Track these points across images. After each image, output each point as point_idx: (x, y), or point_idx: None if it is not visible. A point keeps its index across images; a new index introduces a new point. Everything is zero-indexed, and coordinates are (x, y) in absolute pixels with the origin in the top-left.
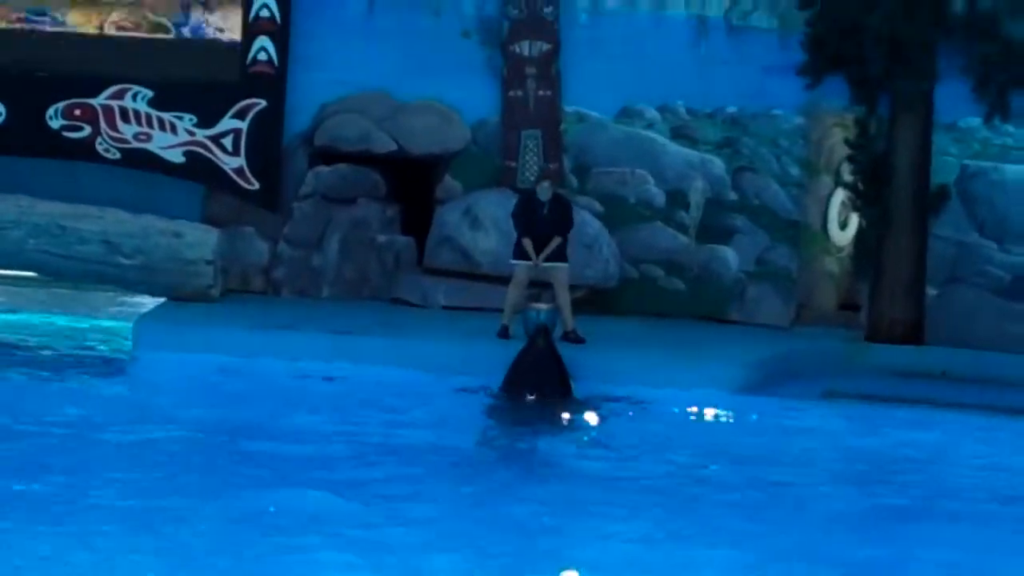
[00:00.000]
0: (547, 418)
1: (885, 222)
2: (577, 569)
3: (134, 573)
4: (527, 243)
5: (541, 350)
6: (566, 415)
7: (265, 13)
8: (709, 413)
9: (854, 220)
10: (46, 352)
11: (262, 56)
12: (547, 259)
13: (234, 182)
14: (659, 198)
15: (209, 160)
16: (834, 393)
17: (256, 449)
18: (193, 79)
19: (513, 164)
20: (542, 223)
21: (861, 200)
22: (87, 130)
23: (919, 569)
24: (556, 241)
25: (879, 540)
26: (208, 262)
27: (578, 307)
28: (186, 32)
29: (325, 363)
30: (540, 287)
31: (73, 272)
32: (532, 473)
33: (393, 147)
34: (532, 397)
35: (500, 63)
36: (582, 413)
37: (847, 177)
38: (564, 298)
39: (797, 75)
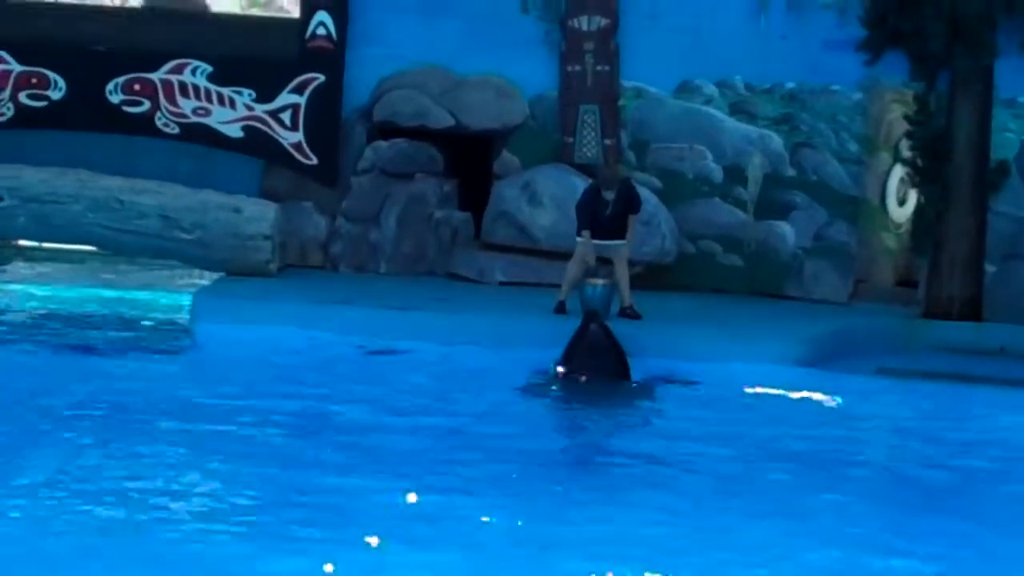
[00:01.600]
0: (603, 396)
1: (944, 198)
2: (639, 548)
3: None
4: (586, 235)
5: (596, 335)
6: (622, 392)
7: None
8: (766, 389)
9: (913, 196)
10: (104, 327)
11: (321, 31)
12: (608, 237)
13: (292, 157)
14: (717, 174)
15: (268, 135)
16: (891, 370)
17: (312, 423)
18: (252, 54)
19: (571, 139)
20: (607, 217)
21: (920, 176)
22: (146, 105)
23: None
24: (630, 220)
25: (930, 515)
26: (266, 237)
27: (635, 283)
28: None
29: (382, 338)
30: (598, 262)
31: (131, 247)
32: (587, 453)
33: (451, 122)
34: (587, 373)
35: (558, 38)
36: (639, 390)
37: (906, 153)
38: (623, 274)
39: (856, 51)
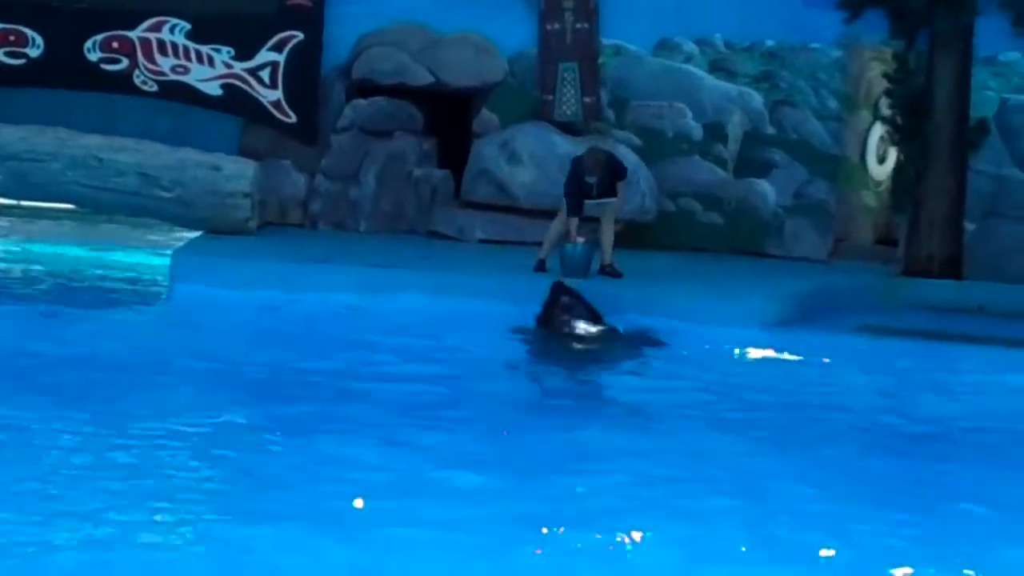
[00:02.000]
0: (582, 353)
1: (924, 157)
2: (608, 500)
3: (166, 508)
4: (573, 223)
5: (566, 303)
6: (602, 350)
7: None
8: (745, 347)
9: (892, 154)
10: (83, 284)
11: None
12: (598, 196)
13: (271, 115)
14: (697, 132)
15: (247, 93)
16: (871, 327)
17: (291, 381)
18: (231, 12)
19: (550, 97)
20: (594, 193)
21: (900, 134)
22: (125, 63)
23: (948, 506)
24: (618, 185)
25: (910, 474)
26: (245, 195)
27: (615, 241)
28: None
29: (362, 296)
30: (584, 221)
31: (110, 205)
32: (564, 405)
33: (430, 80)
34: (567, 331)
35: None
36: (617, 348)
37: (886, 111)
38: (608, 231)
39: (836, 8)
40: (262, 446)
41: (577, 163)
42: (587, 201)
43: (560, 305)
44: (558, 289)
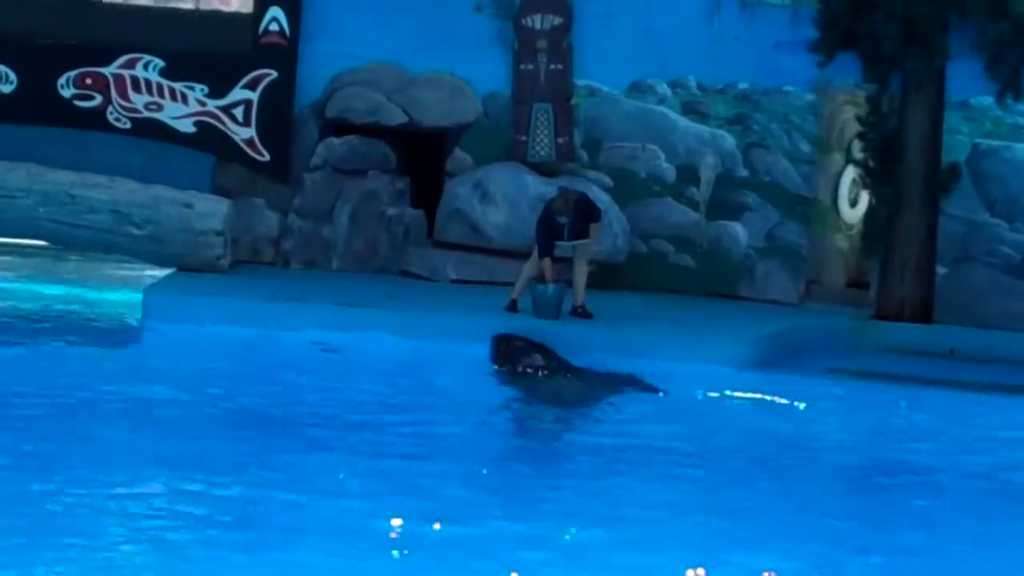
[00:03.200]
0: (551, 394)
1: (896, 200)
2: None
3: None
4: (547, 263)
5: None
6: (572, 391)
7: None
8: (716, 389)
9: (864, 197)
10: (54, 322)
11: (274, 27)
12: (570, 238)
13: (245, 153)
14: (669, 173)
15: (220, 131)
16: (841, 370)
17: (262, 419)
18: (205, 49)
19: (524, 138)
20: (566, 235)
21: (872, 178)
22: (98, 99)
23: (917, 546)
24: (592, 228)
25: (878, 516)
26: (218, 233)
27: (587, 282)
28: None
29: (333, 335)
30: (557, 262)
31: (82, 241)
32: (531, 445)
33: (404, 119)
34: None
35: (512, 36)
36: (588, 389)
37: (858, 154)
38: (581, 272)
39: (809, 51)
40: (231, 482)
41: (549, 204)
42: (560, 243)
43: (511, 350)
44: (498, 340)
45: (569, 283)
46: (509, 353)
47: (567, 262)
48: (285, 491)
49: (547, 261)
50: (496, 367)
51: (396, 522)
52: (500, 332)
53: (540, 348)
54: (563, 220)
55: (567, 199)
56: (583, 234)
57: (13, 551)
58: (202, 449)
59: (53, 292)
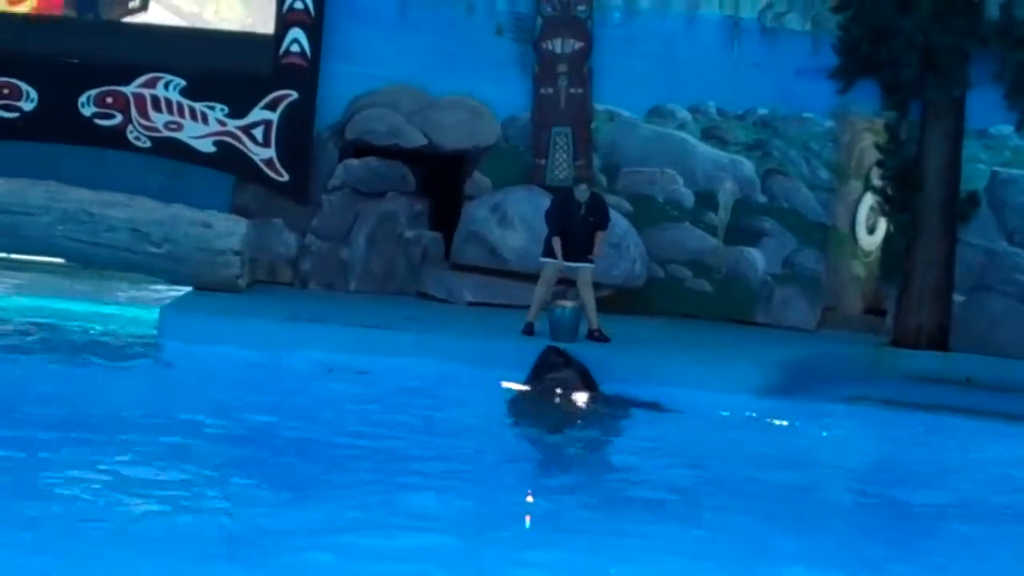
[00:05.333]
0: (567, 418)
1: (914, 228)
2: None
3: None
4: (556, 242)
5: (555, 362)
6: (587, 416)
7: (299, 5)
8: (733, 415)
9: (882, 225)
10: (71, 339)
11: (295, 48)
12: (574, 259)
13: (264, 173)
14: (688, 199)
15: (239, 151)
16: (858, 398)
17: (278, 440)
18: (225, 69)
19: (543, 161)
20: (578, 224)
21: (890, 205)
22: (118, 118)
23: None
24: (598, 236)
25: (896, 545)
26: (236, 252)
27: (604, 306)
28: None
29: (350, 356)
30: (567, 284)
31: (101, 259)
32: (546, 470)
33: (423, 142)
34: (554, 394)
35: (532, 60)
36: (603, 414)
37: (876, 182)
38: (588, 297)
39: (829, 79)
40: (247, 502)
41: (562, 192)
42: (566, 264)
43: (549, 367)
44: (550, 352)
45: (582, 306)
46: (544, 365)
47: (572, 284)
48: (297, 513)
49: (558, 240)
50: (529, 380)
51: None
52: (552, 348)
53: (577, 367)
54: (581, 199)
55: (587, 178)
56: (591, 232)
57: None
58: (214, 468)
59: (70, 309)
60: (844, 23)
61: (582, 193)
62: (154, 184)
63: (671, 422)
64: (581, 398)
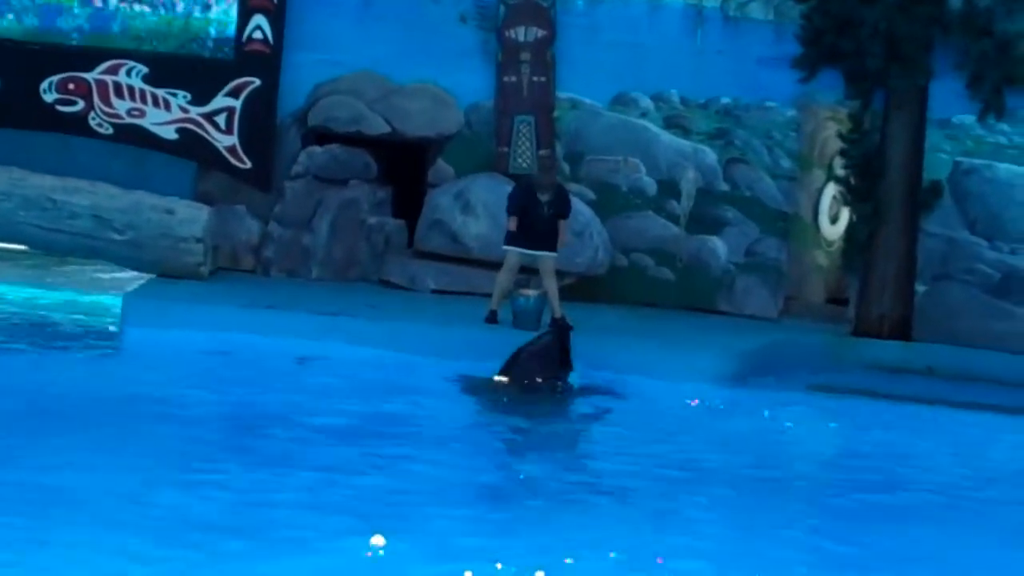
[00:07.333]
0: (530, 407)
1: (876, 217)
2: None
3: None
4: (512, 221)
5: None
6: (550, 405)
7: None
8: (694, 403)
9: (845, 214)
10: (32, 326)
11: (257, 35)
12: (536, 247)
13: (226, 160)
14: (651, 187)
15: (202, 137)
16: (820, 387)
17: (240, 427)
18: (188, 56)
19: (506, 149)
20: (541, 212)
21: (853, 194)
22: (80, 104)
23: (895, 564)
24: (562, 225)
25: (856, 533)
26: (198, 240)
27: (566, 294)
28: None
29: (312, 343)
30: (530, 273)
31: (63, 246)
32: (510, 459)
33: (386, 129)
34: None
35: (495, 48)
36: (566, 402)
37: (839, 171)
38: (551, 285)
39: (792, 68)
40: (208, 488)
41: (528, 180)
42: (526, 252)
43: (528, 344)
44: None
45: (545, 294)
46: (514, 357)
47: (534, 272)
48: (256, 500)
49: (514, 221)
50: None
51: (378, 541)
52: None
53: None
54: (543, 198)
55: (551, 178)
56: (554, 222)
57: None
58: (175, 453)
59: (32, 296)
60: (807, 12)
61: (544, 196)
62: (117, 171)
63: (632, 410)
64: (540, 387)
